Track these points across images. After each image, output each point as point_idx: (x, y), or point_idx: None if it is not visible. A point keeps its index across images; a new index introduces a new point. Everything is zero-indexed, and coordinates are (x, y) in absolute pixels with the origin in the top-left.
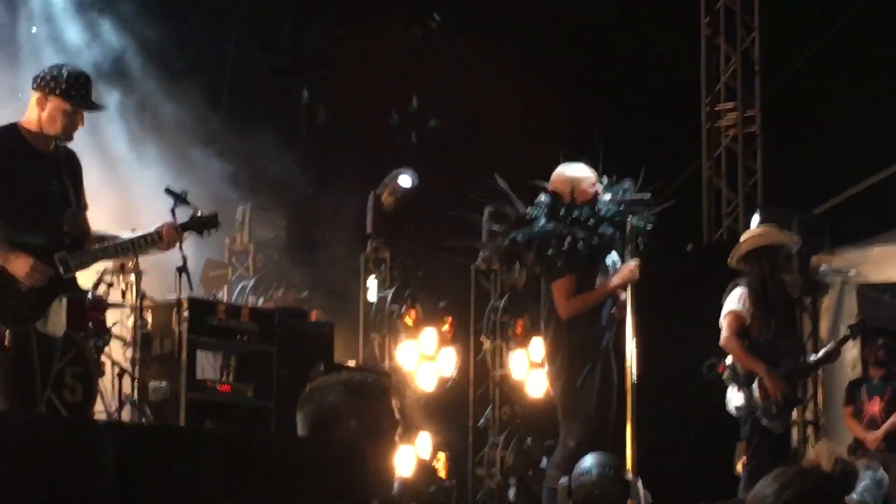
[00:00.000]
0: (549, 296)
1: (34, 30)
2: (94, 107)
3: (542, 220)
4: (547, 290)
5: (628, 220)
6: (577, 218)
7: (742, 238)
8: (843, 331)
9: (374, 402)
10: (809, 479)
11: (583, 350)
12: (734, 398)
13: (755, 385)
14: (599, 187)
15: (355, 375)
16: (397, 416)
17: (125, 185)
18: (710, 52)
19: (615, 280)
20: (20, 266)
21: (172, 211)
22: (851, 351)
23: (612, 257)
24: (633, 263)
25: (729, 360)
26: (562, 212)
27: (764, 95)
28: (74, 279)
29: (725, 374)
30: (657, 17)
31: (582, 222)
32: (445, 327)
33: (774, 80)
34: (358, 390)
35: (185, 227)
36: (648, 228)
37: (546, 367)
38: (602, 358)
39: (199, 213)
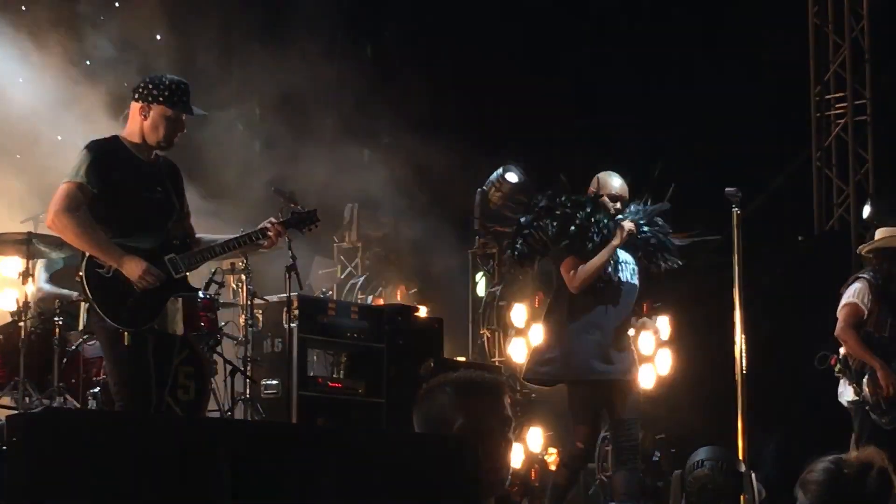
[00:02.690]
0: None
1: None
2: (196, 112)
3: (543, 202)
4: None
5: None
6: (574, 203)
7: (880, 234)
8: None
9: (483, 400)
10: (854, 469)
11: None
12: (846, 391)
13: (865, 379)
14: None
15: (466, 373)
16: (509, 413)
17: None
18: (818, 40)
19: (615, 241)
20: (134, 269)
21: (280, 210)
22: None
23: (624, 255)
24: (627, 224)
25: (841, 351)
26: (562, 199)
27: (875, 84)
28: (186, 280)
29: (837, 367)
30: (765, 7)
31: (577, 208)
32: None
33: (885, 67)
34: (467, 389)
35: (285, 224)
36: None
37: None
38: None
39: (298, 210)
